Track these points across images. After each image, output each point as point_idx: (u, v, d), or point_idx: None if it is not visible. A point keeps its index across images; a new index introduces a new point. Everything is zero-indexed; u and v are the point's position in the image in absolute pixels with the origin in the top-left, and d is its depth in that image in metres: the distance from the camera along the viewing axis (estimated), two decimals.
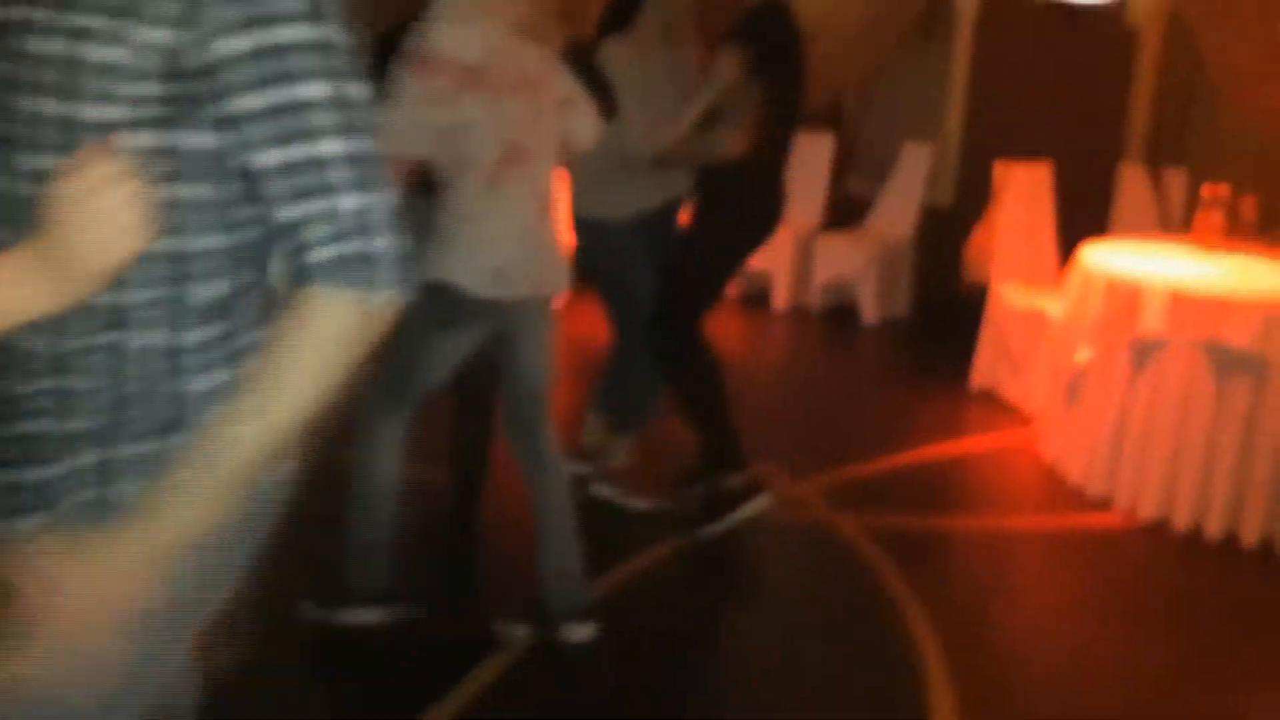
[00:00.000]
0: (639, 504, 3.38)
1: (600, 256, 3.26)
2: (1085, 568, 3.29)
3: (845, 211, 6.26)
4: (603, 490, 3.40)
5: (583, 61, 2.73)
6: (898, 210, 6.10)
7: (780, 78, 3.07)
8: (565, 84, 2.50)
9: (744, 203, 3.23)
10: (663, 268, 3.21)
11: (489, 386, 2.79)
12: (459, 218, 2.36)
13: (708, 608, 2.94)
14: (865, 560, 3.13)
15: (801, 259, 6.18)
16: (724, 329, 5.93)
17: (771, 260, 6.12)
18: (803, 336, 5.90)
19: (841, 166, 6.45)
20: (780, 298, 6.22)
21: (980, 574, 3.19)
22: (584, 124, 2.55)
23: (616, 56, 3.10)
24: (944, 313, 5.41)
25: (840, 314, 6.03)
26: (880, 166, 6.34)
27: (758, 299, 6.20)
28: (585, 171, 3.19)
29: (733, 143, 3.01)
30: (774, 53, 3.04)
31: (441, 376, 2.56)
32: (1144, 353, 3.40)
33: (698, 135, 3.06)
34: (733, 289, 6.24)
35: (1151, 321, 3.38)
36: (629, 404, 3.43)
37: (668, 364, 3.24)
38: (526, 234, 2.42)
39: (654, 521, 3.32)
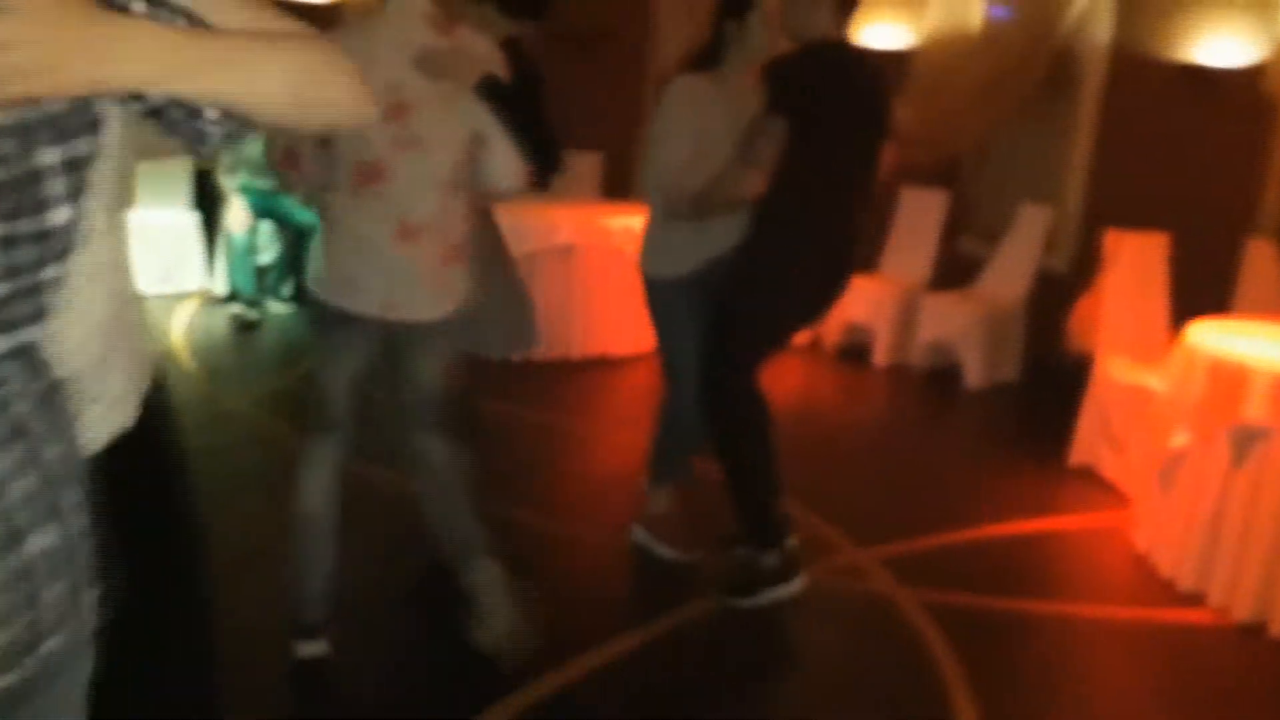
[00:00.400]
0: (668, 553, 3.34)
1: (653, 312, 3.27)
2: (1167, 667, 3.06)
3: (955, 271, 6.08)
4: (638, 535, 3.40)
5: (515, 61, 2.66)
6: (1010, 273, 5.90)
7: (812, 121, 2.87)
8: (475, 120, 2.44)
9: (783, 260, 3.06)
10: (708, 325, 3.15)
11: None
12: (325, 224, 2.49)
13: (738, 672, 2.84)
14: (918, 639, 2.98)
15: (906, 316, 6.03)
16: (818, 380, 5.84)
17: (874, 314, 5.99)
18: (899, 396, 5.74)
19: (954, 225, 6.28)
20: (881, 354, 6.07)
21: (1048, 664, 2.99)
22: (498, 164, 2.50)
23: (682, 92, 3.09)
24: (1053, 382, 5.17)
25: (943, 376, 5.84)
26: (994, 227, 6.14)
27: (857, 353, 6.07)
28: (647, 227, 3.26)
29: (746, 182, 2.93)
30: (800, 93, 2.88)
31: (340, 397, 2.54)
32: (1246, 441, 3.16)
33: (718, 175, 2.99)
34: (831, 339, 6.13)
35: (1256, 409, 3.15)
36: (671, 457, 3.38)
37: (710, 426, 3.16)
38: (377, 254, 2.40)
39: (695, 575, 3.26)
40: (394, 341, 2.53)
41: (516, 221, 5.72)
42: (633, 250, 5.85)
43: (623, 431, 4.75)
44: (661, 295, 3.22)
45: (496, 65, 2.49)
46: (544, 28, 3.30)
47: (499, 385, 5.29)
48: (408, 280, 2.42)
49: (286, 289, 6.24)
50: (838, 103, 2.94)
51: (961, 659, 2.86)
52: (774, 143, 2.88)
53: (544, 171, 2.83)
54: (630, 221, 5.97)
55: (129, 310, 1.28)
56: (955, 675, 2.78)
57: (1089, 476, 4.39)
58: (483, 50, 2.50)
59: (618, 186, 7.75)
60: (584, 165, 7.72)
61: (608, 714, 2.61)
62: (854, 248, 3.14)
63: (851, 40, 3.02)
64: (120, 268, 1.24)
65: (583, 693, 2.64)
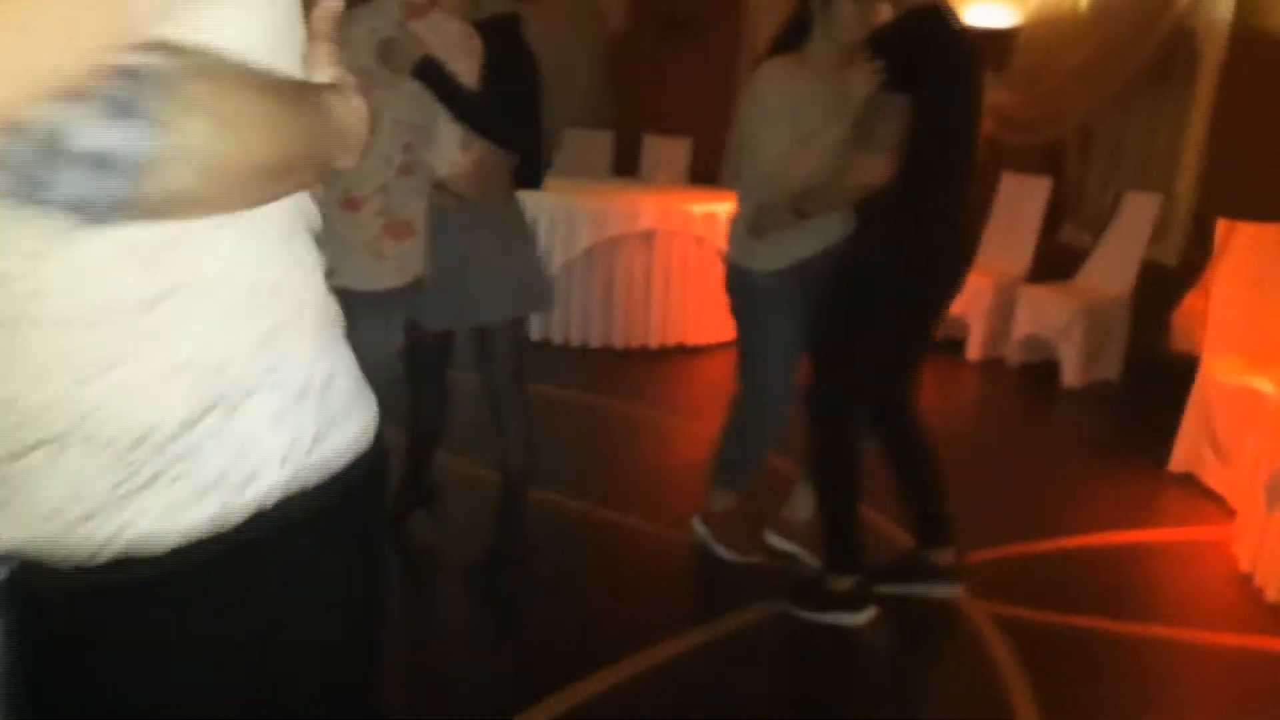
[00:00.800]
0: (726, 554, 3.23)
1: (739, 305, 3.06)
2: (1267, 701, 2.81)
3: (1055, 262, 5.79)
4: (698, 530, 3.29)
5: (503, 37, 2.63)
6: (1114, 265, 5.57)
7: (929, 95, 2.63)
8: (423, 103, 2.46)
9: (905, 250, 2.81)
10: (815, 330, 2.92)
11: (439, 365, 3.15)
12: None
13: (791, 679, 2.71)
14: (987, 656, 2.80)
15: (1002, 309, 5.76)
16: None
17: (969, 306, 5.73)
18: (991, 392, 5.48)
19: (1056, 214, 5.97)
20: (975, 347, 5.82)
21: (1130, 693, 2.77)
22: (436, 150, 2.52)
23: (771, 77, 2.88)
24: (1157, 382, 4.86)
25: (1039, 372, 5.57)
26: (1099, 216, 5.82)
27: (949, 346, 5.81)
28: (737, 215, 3.04)
29: (873, 168, 2.64)
30: (914, 64, 2.64)
31: (386, 370, 2.59)
32: None
33: (834, 165, 2.76)
34: None
35: None
36: (739, 460, 3.22)
37: (815, 442, 2.96)
38: (325, 219, 2.38)
39: (757, 576, 3.14)
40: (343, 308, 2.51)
41: (600, 206, 5.65)
42: (715, 237, 5.78)
43: (696, 422, 4.63)
44: (752, 288, 2.98)
45: (461, 50, 2.48)
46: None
47: (573, 373, 5.23)
48: (344, 247, 2.42)
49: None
50: (952, 73, 2.72)
51: (1033, 681, 2.67)
52: (897, 122, 2.62)
53: (526, 165, 2.76)
54: (714, 207, 5.84)
55: None
56: (1024, 699, 2.60)
57: (1190, 485, 4.11)
58: (451, 33, 2.49)
59: (707, 172, 7.61)
60: (673, 150, 7.60)
61: (659, 715, 2.51)
62: (975, 230, 2.93)
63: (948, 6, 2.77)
64: None
65: (634, 692, 2.55)
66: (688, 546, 3.31)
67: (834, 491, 2.94)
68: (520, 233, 2.92)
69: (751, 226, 2.91)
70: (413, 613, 2.94)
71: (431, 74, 2.42)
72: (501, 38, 2.64)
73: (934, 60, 2.67)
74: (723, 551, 3.23)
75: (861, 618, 2.92)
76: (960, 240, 2.93)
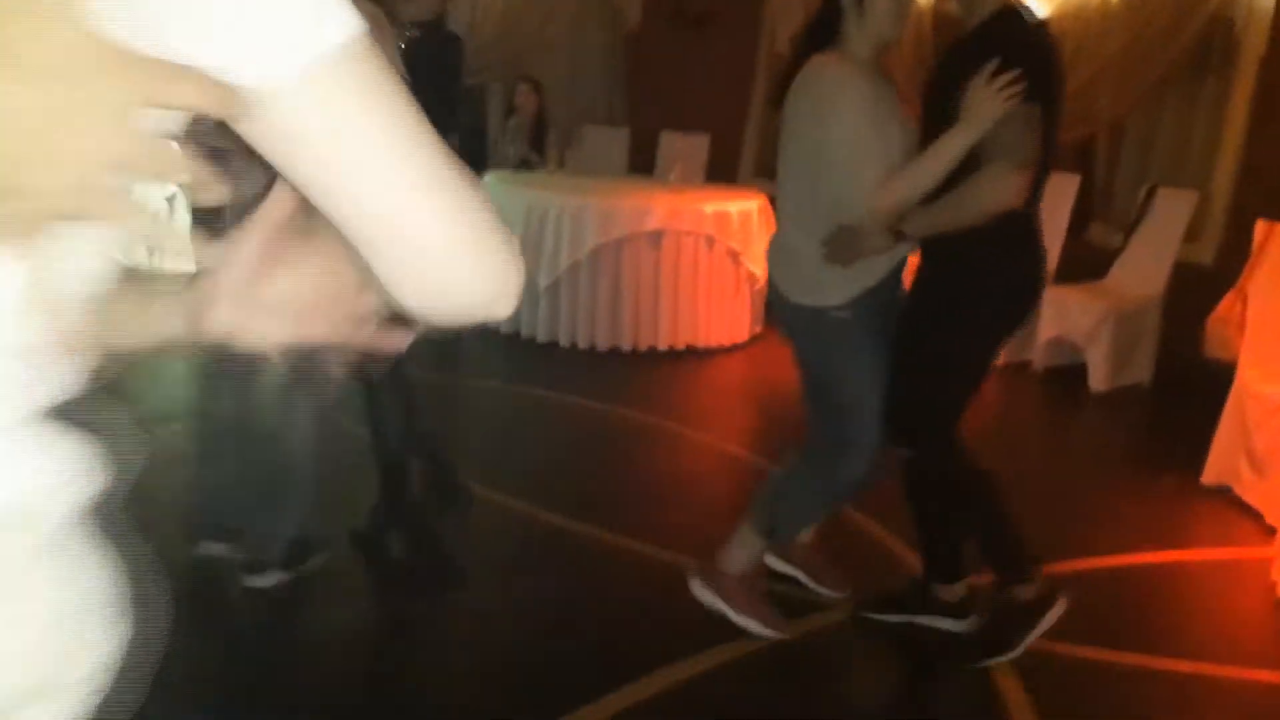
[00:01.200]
0: (755, 628, 2.77)
1: (816, 349, 2.65)
2: None
3: (1084, 263, 5.54)
4: (703, 595, 2.81)
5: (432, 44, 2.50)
6: (1146, 265, 5.32)
7: (1049, 104, 2.34)
8: None
9: (998, 268, 2.48)
10: (899, 360, 2.58)
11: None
12: None
13: (802, 702, 2.52)
14: (994, 690, 2.58)
15: None
16: None
17: None
18: (1014, 397, 5.24)
19: (1085, 211, 5.72)
20: None
21: None
22: None
23: (844, 81, 2.42)
24: (1189, 388, 4.60)
25: (1065, 376, 5.34)
26: (1129, 214, 5.56)
27: None
28: (786, 244, 2.63)
29: (1012, 187, 2.30)
30: (1046, 72, 2.35)
31: None
32: None
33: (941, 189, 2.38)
34: None
35: None
36: (796, 511, 2.82)
37: (921, 478, 2.68)
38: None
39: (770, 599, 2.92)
40: None
41: (607, 205, 5.47)
42: (726, 237, 5.59)
43: (707, 431, 4.44)
44: (829, 328, 2.55)
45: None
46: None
47: (579, 377, 5.06)
48: None
49: None
50: (1060, 78, 2.45)
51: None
52: (1034, 135, 2.31)
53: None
54: (725, 206, 5.64)
55: None
56: None
57: (1224, 499, 3.86)
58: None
59: (726, 169, 7.42)
60: (691, 147, 7.41)
61: None
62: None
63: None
64: None
65: (656, 710, 2.42)
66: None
67: (971, 509, 2.71)
68: None
69: (832, 254, 2.48)
70: (425, 629, 2.81)
71: None
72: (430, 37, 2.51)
73: (1051, 64, 2.40)
74: (747, 622, 2.75)
75: (963, 625, 2.75)
76: (1043, 257, 2.64)
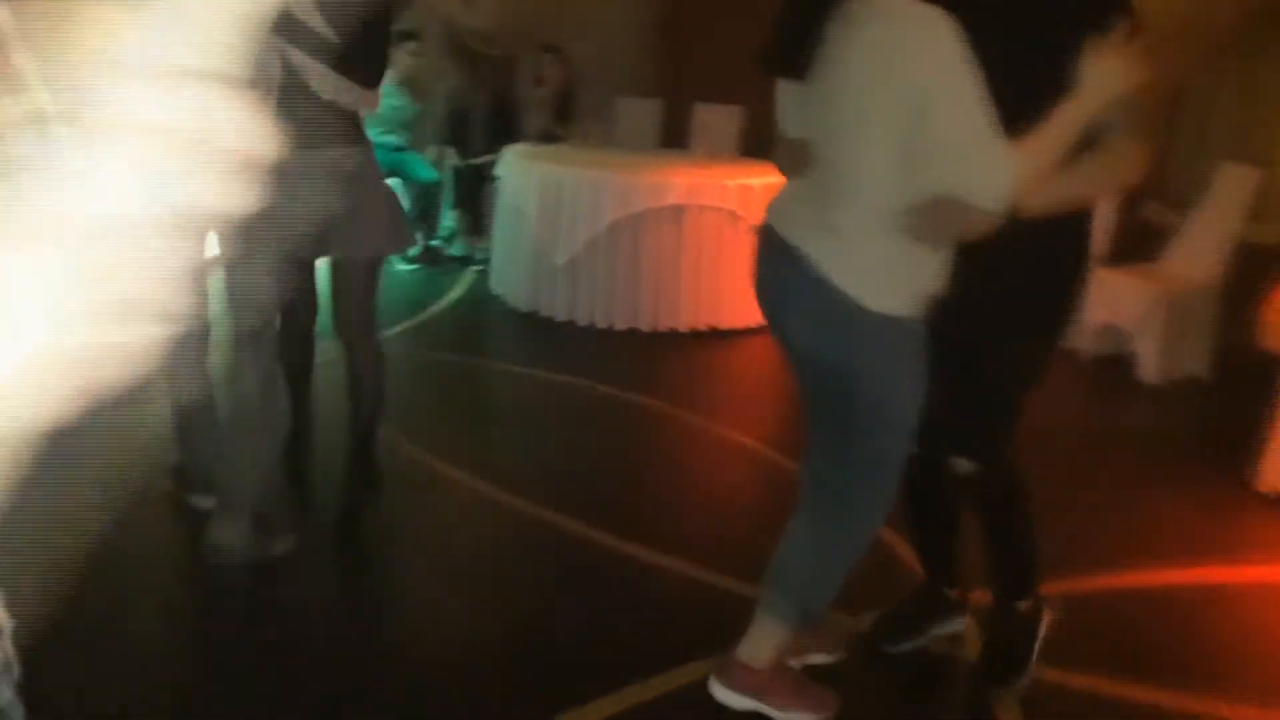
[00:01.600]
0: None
1: (873, 363, 2.05)
2: None
3: (1136, 242, 5.16)
4: (730, 698, 2.36)
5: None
6: (1203, 246, 4.93)
7: None
8: None
9: (1053, 258, 2.20)
10: (949, 366, 2.13)
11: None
12: None
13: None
14: None
15: None
16: None
17: None
18: (1059, 387, 4.85)
19: (1138, 189, 5.33)
20: None
21: None
22: None
23: (945, 33, 1.81)
24: (1249, 381, 4.21)
25: (1113, 366, 4.98)
26: (1187, 192, 5.17)
27: None
28: (852, 236, 1.99)
29: (1139, 165, 2.08)
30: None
31: None
32: None
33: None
34: None
35: None
36: (812, 588, 2.26)
37: (1003, 489, 2.42)
38: None
39: None
40: None
41: (625, 179, 5.20)
42: (750, 213, 5.28)
43: (726, 419, 4.17)
44: (902, 337, 2.03)
45: None
46: None
47: (595, 359, 4.83)
48: None
49: (412, 247, 5.90)
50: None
51: None
52: (1146, 108, 2.10)
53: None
54: (748, 181, 5.35)
55: None
56: None
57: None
58: None
59: (760, 142, 7.10)
60: (724, 119, 7.10)
61: None
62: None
63: None
64: None
65: (659, 711, 2.32)
66: (703, 564, 2.88)
67: (1018, 530, 2.48)
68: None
69: (924, 232, 1.95)
70: (426, 621, 2.72)
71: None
72: None
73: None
74: (799, 717, 2.31)
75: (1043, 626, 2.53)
76: (1090, 231, 2.33)
